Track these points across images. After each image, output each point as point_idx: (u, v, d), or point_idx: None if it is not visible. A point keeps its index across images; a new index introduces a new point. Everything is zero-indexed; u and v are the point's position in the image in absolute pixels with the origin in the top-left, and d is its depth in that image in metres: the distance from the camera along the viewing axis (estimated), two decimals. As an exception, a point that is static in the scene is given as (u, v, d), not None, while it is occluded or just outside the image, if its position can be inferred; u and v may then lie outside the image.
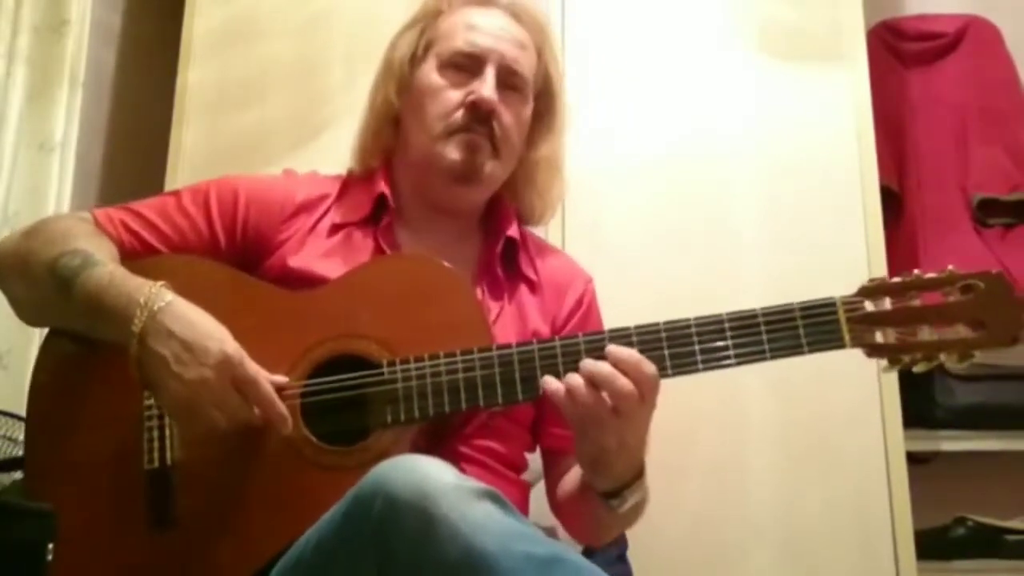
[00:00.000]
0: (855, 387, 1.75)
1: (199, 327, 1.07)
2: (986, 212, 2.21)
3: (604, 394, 1.05)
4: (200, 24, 2.12)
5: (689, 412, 1.64)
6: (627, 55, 1.99)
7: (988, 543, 2.05)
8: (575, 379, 1.06)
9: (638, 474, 1.14)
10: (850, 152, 1.88)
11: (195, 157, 2.03)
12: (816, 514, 1.72)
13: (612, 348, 1.07)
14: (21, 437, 1.57)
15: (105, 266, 1.13)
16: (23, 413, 1.20)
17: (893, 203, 2.18)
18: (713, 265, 1.85)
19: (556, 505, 1.31)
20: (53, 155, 2.08)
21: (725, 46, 1.98)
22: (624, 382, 1.05)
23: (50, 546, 1.06)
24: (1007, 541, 2.05)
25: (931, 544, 1.97)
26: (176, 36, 2.12)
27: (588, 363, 1.06)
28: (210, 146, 2.04)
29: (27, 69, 2.10)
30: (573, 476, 1.26)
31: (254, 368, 1.07)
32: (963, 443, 2.07)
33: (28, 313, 1.22)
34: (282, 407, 1.07)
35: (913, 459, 1.84)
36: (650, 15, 2.01)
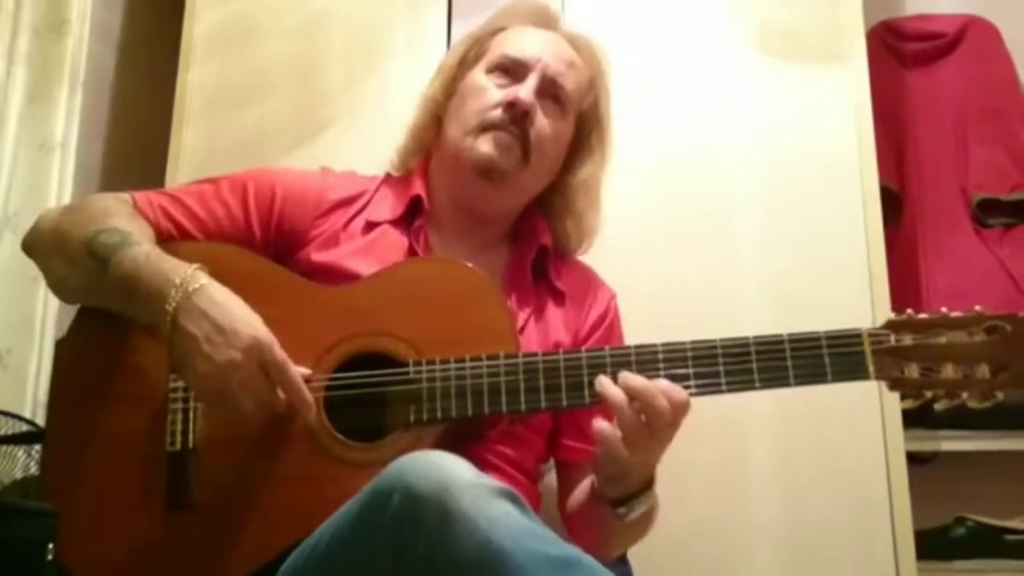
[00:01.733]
0: (855, 387, 1.73)
1: (232, 311, 1.08)
2: (986, 212, 2.22)
3: (641, 412, 1.06)
4: (200, 24, 2.12)
5: (690, 412, 1.64)
6: (626, 57, 1.99)
7: (988, 543, 2.05)
8: (619, 394, 1.07)
9: (647, 484, 1.14)
10: (850, 152, 1.88)
11: (195, 157, 2.03)
12: (816, 514, 1.72)
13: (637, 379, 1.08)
14: (21, 438, 1.58)
15: (142, 246, 1.14)
16: (23, 413, 1.21)
17: (893, 203, 2.18)
18: (713, 265, 1.85)
19: (566, 516, 1.32)
20: (53, 155, 2.08)
21: (724, 46, 1.98)
22: (662, 401, 1.06)
23: (50, 546, 1.07)
24: (1007, 541, 2.05)
25: (931, 544, 1.97)
26: (176, 36, 2.12)
27: (629, 378, 1.08)
28: (210, 146, 2.04)
29: (27, 69, 2.10)
30: (584, 486, 1.26)
31: (283, 354, 1.08)
32: (963, 443, 2.07)
33: (65, 290, 1.24)
34: (308, 394, 1.08)
35: (913, 459, 1.84)
36: (649, 15, 2.01)
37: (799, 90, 1.93)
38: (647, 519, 1.19)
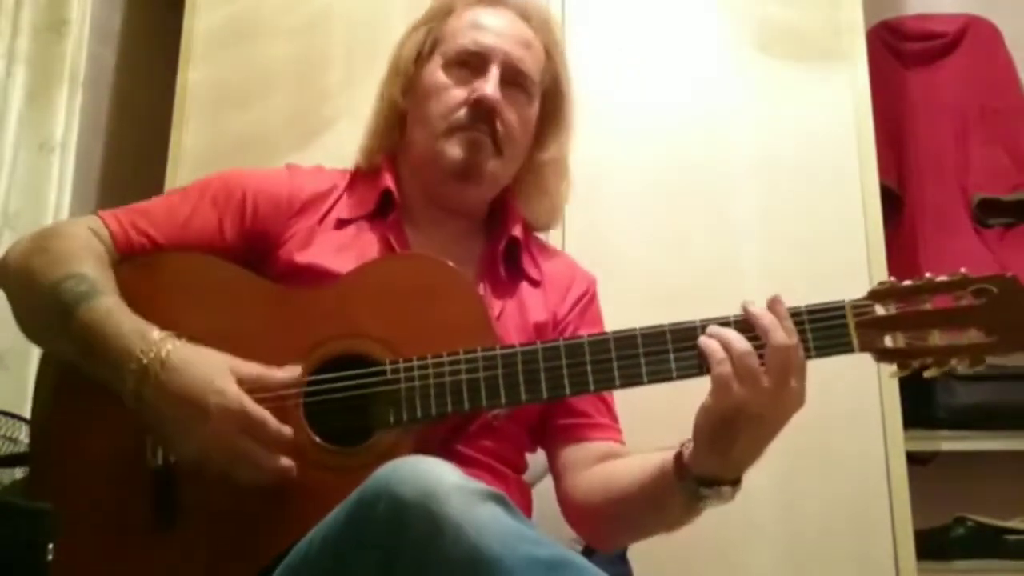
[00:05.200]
0: (855, 387, 1.75)
1: (199, 378, 1.05)
2: (986, 212, 2.22)
3: (756, 353, 1.02)
4: (200, 23, 2.12)
5: (689, 412, 1.64)
6: (627, 57, 1.99)
7: (988, 543, 2.05)
8: (731, 333, 1.04)
9: (738, 479, 1.11)
10: (850, 152, 1.88)
11: (195, 157, 2.03)
12: (816, 514, 1.72)
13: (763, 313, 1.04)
14: (21, 437, 1.58)
15: (108, 297, 1.11)
16: (23, 413, 1.20)
17: (893, 203, 2.19)
18: (713, 265, 1.85)
19: (579, 497, 1.26)
20: (53, 155, 2.08)
21: (725, 46, 1.98)
22: (782, 335, 1.03)
23: (50, 546, 1.06)
24: (1007, 541, 2.05)
25: (931, 544, 1.97)
26: (176, 36, 2.12)
27: (751, 310, 1.04)
28: (210, 146, 2.05)
29: (27, 69, 2.10)
30: (622, 467, 1.21)
31: (259, 412, 1.05)
32: (963, 443, 2.07)
33: (26, 329, 1.21)
34: (289, 431, 1.06)
35: (913, 459, 1.84)
36: (650, 15, 2.01)
37: (799, 89, 1.93)
38: (694, 515, 1.15)
